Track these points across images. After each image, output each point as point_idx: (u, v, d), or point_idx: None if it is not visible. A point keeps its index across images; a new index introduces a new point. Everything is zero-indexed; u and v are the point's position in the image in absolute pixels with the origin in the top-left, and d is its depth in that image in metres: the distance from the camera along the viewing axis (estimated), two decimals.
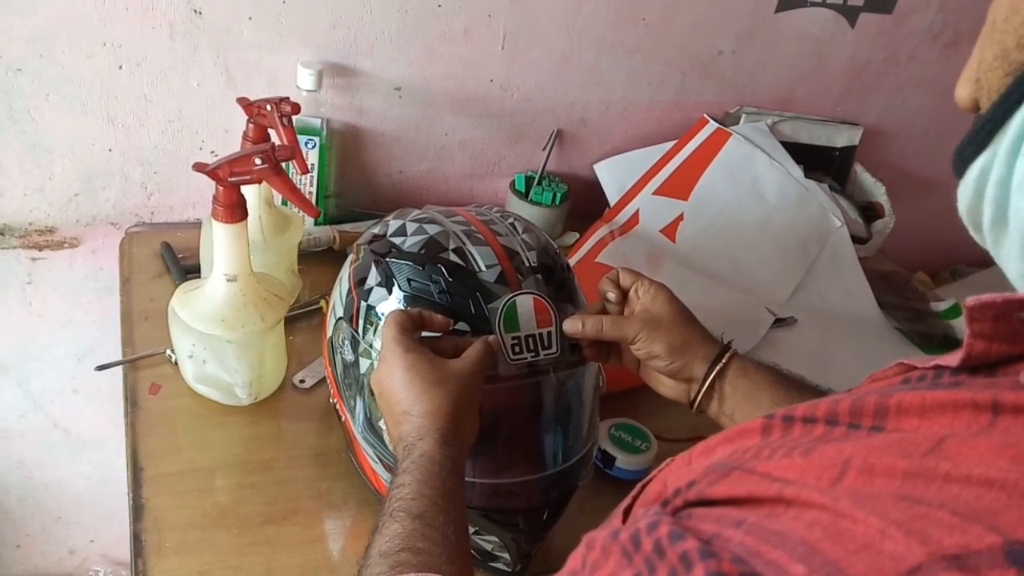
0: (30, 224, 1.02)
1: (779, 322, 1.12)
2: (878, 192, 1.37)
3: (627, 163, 1.27)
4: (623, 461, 0.82)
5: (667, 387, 0.71)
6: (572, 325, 0.68)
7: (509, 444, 0.69)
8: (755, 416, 0.65)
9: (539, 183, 1.19)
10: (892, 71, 1.35)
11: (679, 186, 1.24)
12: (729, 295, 1.15)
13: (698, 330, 0.70)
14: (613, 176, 1.26)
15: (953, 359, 0.31)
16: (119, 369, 0.87)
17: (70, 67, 0.91)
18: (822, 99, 1.35)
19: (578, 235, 1.22)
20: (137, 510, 0.71)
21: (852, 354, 1.12)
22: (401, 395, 0.60)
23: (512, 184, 1.20)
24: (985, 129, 0.31)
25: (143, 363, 0.87)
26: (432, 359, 0.61)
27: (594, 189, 1.25)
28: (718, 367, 0.67)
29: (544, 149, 1.21)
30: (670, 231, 1.21)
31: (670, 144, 1.27)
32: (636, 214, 1.22)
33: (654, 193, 1.23)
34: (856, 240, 1.28)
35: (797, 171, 1.27)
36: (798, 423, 0.33)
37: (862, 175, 1.39)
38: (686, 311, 0.70)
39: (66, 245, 1.06)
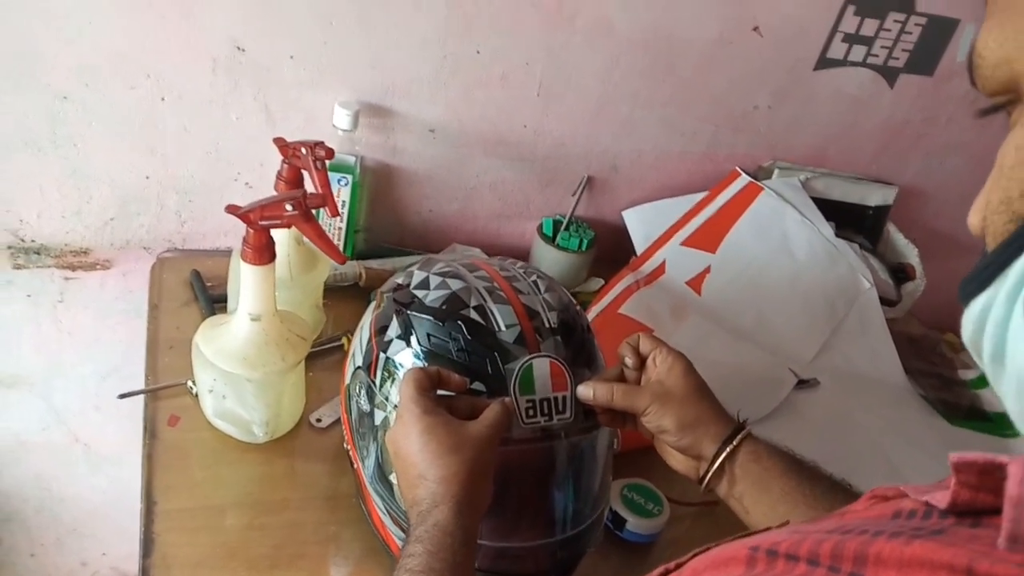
0: (65, 245, 1.04)
1: (802, 383, 1.10)
2: (910, 253, 1.35)
3: (656, 212, 1.27)
4: (634, 524, 0.81)
5: (677, 461, 0.71)
6: (584, 392, 0.68)
7: (519, 507, 0.68)
8: (764, 502, 0.64)
9: (566, 228, 1.19)
10: (930, 132, 1.34)
11: (708, 238, 1.23)
12: (752, 353, 1.14)
13: (711, 407, 0.68)
14: (641, 224, 1.26)
15: (943, 499, 0.31)
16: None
17: (114, 97, 0.94)
18: (857, 157, 1.34)
19: (603, 281, 1.22)
20: (147, 545, 0.72)
21: (875, 420, 1.10)
22: (417, 458, 0.60)
23: (540, 227, 1.21)
24: (988, 271, 0.31)
25: (164, 393, 0.88)
26: (449, 422, 0.61)
27: (621, 236, 1.25)
28: (728, 448, 0.66)
29: (573, 194, 1.22)
30: (696, 283, 1.21)
31: (700, 195, 1.26)
32: (663, 264, 1.21)
33: (682, 244, 1.23)
34: (885, 302, 1.27)
35: (828, 229, 1.26)
36: (781, 559, 0.32)
37: (895, 235, 1.37)
38: (701, 386, 0.69)
39: (99, 267, 1.08)
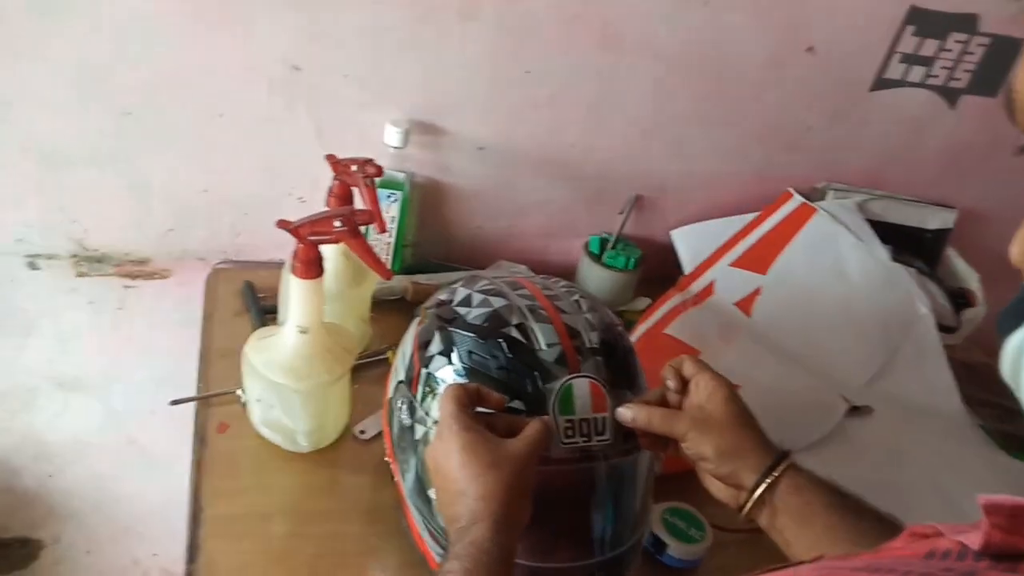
0: (126, 254, 1.08)
1: (854, 410, 1.07)
2: (971, 279, 1.31)
3: (705, 232, 1.25)
4: (675, 549, 0.80)
5: (717, 488, 0.69)
6: (623, 414, 0.67)
7: (556, 528, 0.68)
8: (806, 537, 0.63)
9: (613, 246, 1.19)
10: (994, 154, 1.30)
11: (758, 259, 1.21)
12: (802, 377, 1.11)
13: (752, 436, 0.67)
14: (690, 244, 1.25)
15: (976, 540, 0.30)
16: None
17: (173, 114, 0.97)
18: (915, 179, 1.31)
19: (649, 301, 1.21)
20: (193, 551, 0.74)
21: (930, 451, 1.07)
22: (457, 474, 0.60)
23: (586, 245, 1.20)
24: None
25: (215, 400, 0.90)
26: (489, 439, 0.61)
27: (669, 256, 1.24)
28: (769, 480, 0.64)
29: (621, 213, 1.21)
30: (746, 305, 1.19)
31: (751, 216, 1.25)
32: (711, 285, 1.20)
33: (731, 264, 1.21)
34: (944, 328, 1.23)
35: (883, 253, 1.23)
36: None
37: (955, 260, 1.33)
38: (743, 413, 0.68)
39: (157, 276, 1.12)
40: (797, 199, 1.24)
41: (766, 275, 1.20)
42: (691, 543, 0.81)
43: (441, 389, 0.68)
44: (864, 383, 1.14)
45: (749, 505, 0.65)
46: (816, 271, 1.21)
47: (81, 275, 1.09)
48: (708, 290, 1.19)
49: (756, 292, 1.19)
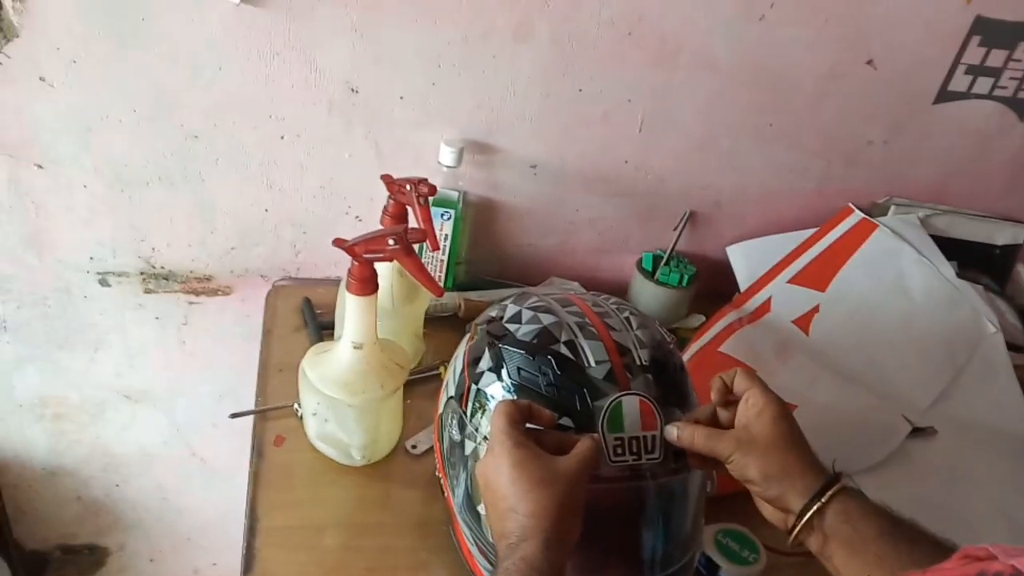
0: (191, 272, 1.12)
1: (916, 432, 1.04)
2: None
3: (762, 248, 1.23)
4: (728, 571, 0.79)
5: (767, 510, 0.67)
6: (669, 432, 0.67)
7: (606, 546, 0.68)
8: (855, 566, 0.61)
9: (667, 263, 1.18)
10: None
11: (817, 276, 1.19)
12: (863, 397, 1.08)
13: (800, 459, 0.65)
14: (746, 260, 1.23)
15: None
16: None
17: (238, 136, 1.01)
18: (982, 193, 1.27)
19: (703, 318, 1.19)
20: (249, 560, 0.75)
21: (997, 474, 1.02)
22: (507, 490, 0.60)
23: (639, 262, 1.20)
24: None
25: (272, 414, 0.93)
26: (540, 455, 0.62)
27: (724, 272, 1.22)
28: (816, 505, 0.62)
29: (675, 229, 1.20)
30: (803, 322, 1.16)
31: (809, 232, 1.22)
32: (768, 302, 1.18)
33: (789, 281, 1.19)
34: (1013, 347, 1.18)
35: (949, 269, 1.19)
36: None
37: None
38: (792, 434, 0.66)
39: (220, 293, 1.15)
40: (857, 215, 1.21)
41: (825, 292, 1.17)
42: (745, 565, 0.79)
43: (491, 405, 0.69)
44: (928, 404, 1.10)
45: (797, 530, 0.64)
46: (877, 288, 1.17)
47: (148, 292, 1.13)
48: (764, 307, 1.17)
49: (814, 310, 1.17)
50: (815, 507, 0.62)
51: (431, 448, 0.90)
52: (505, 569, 0.57)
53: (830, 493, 0.62)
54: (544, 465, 0.61)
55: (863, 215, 1.21)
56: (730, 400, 0.71)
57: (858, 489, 0.65)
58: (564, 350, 0.69)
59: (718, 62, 1.06)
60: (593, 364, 0.68)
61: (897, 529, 0.61)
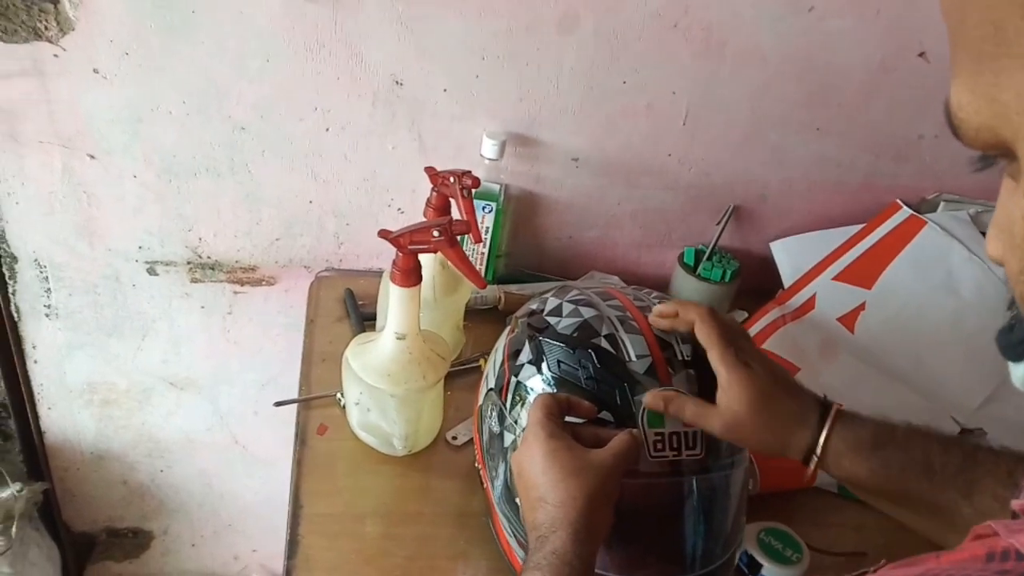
0: (236, 262, 1.14)
1: (965, 433, 1.02)
2: None
3: (807, 244, 1.21)
4: (770, 571, 0.78)
5: None
6: (653, 401, 0.65)
7: (646, 542, 0.67)
8: (863, 494, 0.63)
9: (709, 258, 1.17)
10: None
11: (863, 273, 1.17)
12: (909, 397, 1.06)
13: (788, 414, 0.64)
14: (790, 256, 1.21)
15: None
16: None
17: (284, 128, 1.02)
18: None
19: (747, 314, 1.18)
20: (292, 546, 0.77)
21: None
22: (539, 480, 0.61)
23: (681, 257, 1.19)
24: (1018, 347, 0.31)
25: (315, 403, 0.94)
26: (573, 447, 0.61)
27: (768, 268, 1.20)
28: (814, 459, 0.63)
29: (718, 224, 1.19)
30: (849, 320, 1.14)
31: (856, 228, 1.20)
32: (812, 299, 1.16)
33: (834, 278, 1.17)
34: None
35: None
36: None
37: None
38: (770, 406, 0.63)
39: (264, 283, 1.17)
40: (905, 211, 1.19)
41: (871, 290, 1.15)
42: (787, 564, 0.78)
43: (531, 398, 0.69)
44: (977, 405, 1.08)
45: (808, 475, 0.64)
46: (925, 286, 1.15)
47: (195, 281, 1.15)
48: (809, 304, 1.15)
49: (860, 307, 1.15)
50: (812, 462, 0.63)
51: (471, 440, 0.90)
52: (536, 563, 0.57)
53: (821, 445, 0.62)
54: (577, 456, 0.61)
55: (911, 211, 1.18)
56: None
57: (849, 415, 0.64)
58: (605, 344, 0.68)
59: (765, 54, 1.04)
60: (634, 358, 0.67)
61: (886, 462, 0.62)
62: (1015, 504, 0.28)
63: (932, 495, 0.60)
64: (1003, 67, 0.30)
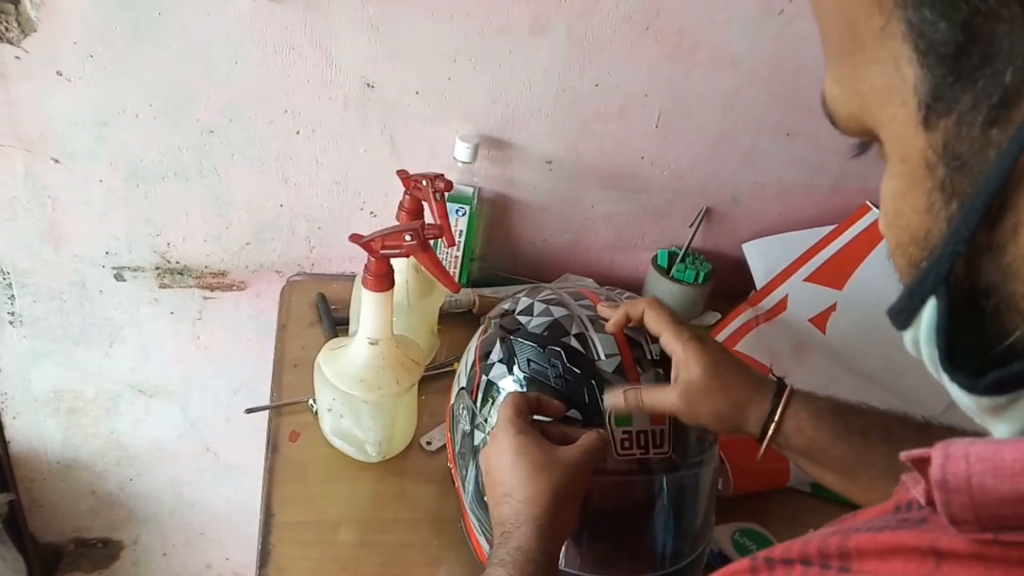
0: (206, 267, 1.12)
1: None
2: None
3: (778, 245, 1.22)
4: None
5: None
6: (613, 399, 0.65)
7: (615, 540, 0.68)
8: (817, 471, 0.63)
9: (682, 260, 1.17)
10: None
11: (833, 274, 1.18)
12: (880, 397, 1.06)
13: (744, 387, 0.64)
14: (762, 258, 1.22)
15: (920, 493, 0.30)
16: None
17: (254, 131, 1.00)
18: None
19: (719, 316, 1.19)
20: (264, 556, 0.75)
21: None
22: (506, 475, 0.61)
23: (654, 259, 1.19)
24: (904, 314, 0.33)
25: (287, 409, 0.92)
26: (542, 443, 0.62)
27: (740, 270, 1.21)
28: (772, 428, 0.62)
29: (691, 226, 1.20)
30: (820, 321, 1.15)
31: (827, 229, 1.21)
32: (784, 300, 1.17)
33: (805, 279, 1.18)
34: None
35: None
36: (778, 564, 0.33)
37: None
38: (727, 368, 0.64)
39: (234, 288, 1.15)
40: (875, 212, 1.20)
41: (842, 291, 1.16)
42: None
43: (501, 397, 0.69)
44: (945, 405, 1.09)
45: (762, 452, 0.64)
46: (894, 287, 1.16)
47: (164, 287, 1.13)
48: (781, 305, 1.16)
49: (831, 308, 1.16)
50: (771, 429, 0.62)
51: (445, 444, 0.90)
52: (500, 559, 0.57)
53: (780, 411, 0.62)
54: (545, 452, 0.61)
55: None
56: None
57: (805, 392, 0.65)
58: (574, 343, 0.68)
59: (736, 57, 1.05)
60: (603, 357, 0.68)
61: (848, 426, 0.62)
62: (903, 455, 0.30)
63: (892, 459, 0.60)
64: (858, 61, 0.32)
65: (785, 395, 0.63)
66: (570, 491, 0.60)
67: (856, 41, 0.32)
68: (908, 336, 0.34)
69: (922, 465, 0.29)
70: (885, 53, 0.31)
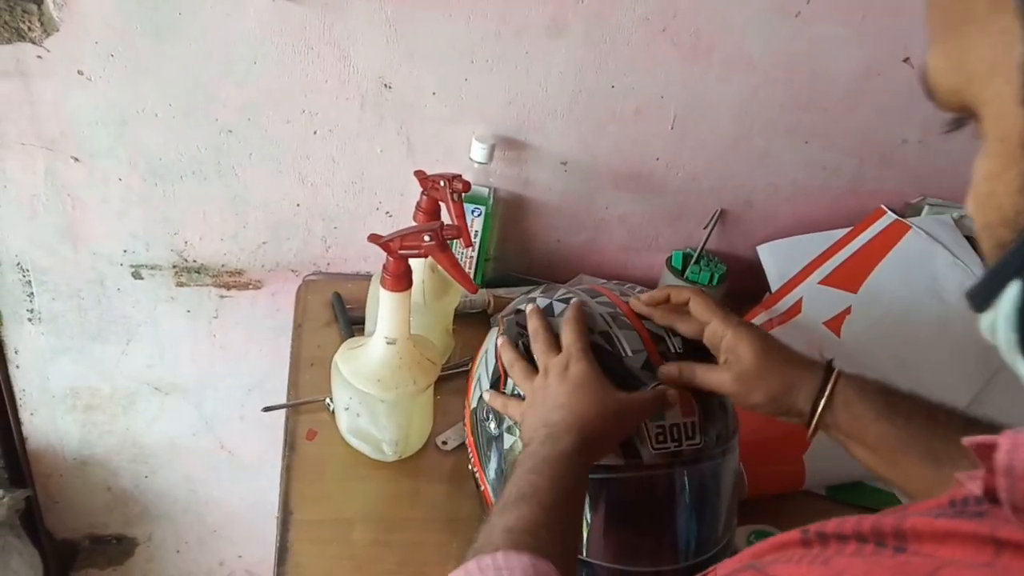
0: (223, 266, 1.13)
1: None
2: None
3: (793, 248, 1.22)
4: None
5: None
6: (668, 371, 0.68)
7: (644, 532, 0.68)
8: (860, 451, 0.65)
9: (697, 261, 1.17)
10: None
11: (849, 277, 1.17)
12: None
13: (795, 367, 0.66)
14: (777, 260, 1.22)
15: (979, 487, 0.31)
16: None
17: (272, 131, 1.01)
18: None
19: None
20: (282, 553, 0.76)
21: None
22: (566, 386, 0.64)
23: (669, 260, 1.19)
24: (984, 294, 0.32)
25: (304, 408, 0.93)
26: (606, 381, 0.65)
27: (755, 272, 1.21)
28: (822, 405, 0.64)
29: (705, 228, 1.20)
30: (835, 324, 1.15)
31: (842, 232, 1.21)
32: (799, 303, 1.17)
33: (820, 282, 1.18)
34: None
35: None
36: (832, 540, 0.34)
37: None
38: (777, 350, 0.67)
39: (251, 287, 1.16)
40: (890, 216, 1.20)
41: (857, 294, 1.16)
42: None
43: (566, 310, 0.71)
44: (962, 408, 1.09)
45: (811, 430, 0.66)
46: (910, 290, 1.16)
47: (180, 285, 1.14)
48: (795, 308, 1.16)
49: (846, 311, 1.16)
50: (821, 405, 0.64)
51: (461, 444, 0.90)
52: (544, 456, 0.59)
53: (830, 387, 0.64)
54: (609, 390, 0.65)
55: (896, 216, 1.19)
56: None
57: (854, 373, 0.67)
58: (600, 340, 0.69)
59: (752, 59, 1.05)
60: (630, 354, 0.68)
61: (893, 408, 0.63)
62: (965, 441, 0.31)
63: (932, 446, 0.62)
64: (965, 33, 0.32)
65: (835, 374, 0.65)
66: (616, 427, 0.64)
67: (967, 13, 0.32)
68: (985, 319, 0.33)
69: (985, 452, 0.29)
70: (995, 27, 0.31)
